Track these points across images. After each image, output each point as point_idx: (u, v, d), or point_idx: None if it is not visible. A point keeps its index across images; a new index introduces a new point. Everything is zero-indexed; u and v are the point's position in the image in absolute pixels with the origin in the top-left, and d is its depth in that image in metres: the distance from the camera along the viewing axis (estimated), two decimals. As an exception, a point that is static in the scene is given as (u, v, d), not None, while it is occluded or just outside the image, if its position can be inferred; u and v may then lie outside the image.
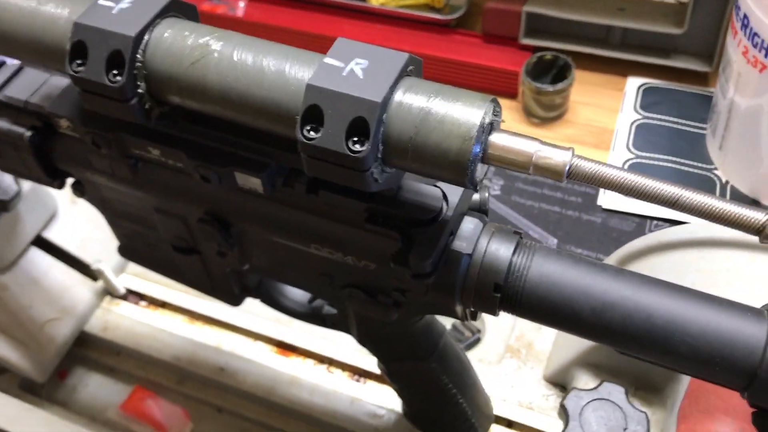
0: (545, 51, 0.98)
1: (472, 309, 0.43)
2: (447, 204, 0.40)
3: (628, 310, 0.38)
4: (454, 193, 0.41)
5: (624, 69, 1.02)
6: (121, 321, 0.76)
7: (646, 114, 0.96)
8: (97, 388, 0.77)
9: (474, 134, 0.32)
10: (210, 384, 0.73)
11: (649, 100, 0.98)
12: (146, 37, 0.37)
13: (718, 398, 0.50)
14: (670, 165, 0.90)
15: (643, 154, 0.91)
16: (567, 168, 0.33)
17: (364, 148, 0.32)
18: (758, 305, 0.38)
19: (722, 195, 0.86)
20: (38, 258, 0.73)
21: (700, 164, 0.90)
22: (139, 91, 0.37)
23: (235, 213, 0.46)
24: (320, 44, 1.10)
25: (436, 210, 0.40)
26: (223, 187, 0.43)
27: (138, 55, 0.36)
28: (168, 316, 0.77)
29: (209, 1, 1.18)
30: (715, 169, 0.89)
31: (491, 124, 0.33)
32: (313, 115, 0.33)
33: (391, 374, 0.54)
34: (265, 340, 0.73)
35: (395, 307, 0.45)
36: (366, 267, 0.44)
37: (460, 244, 0.40)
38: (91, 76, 0.36)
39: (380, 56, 0.34)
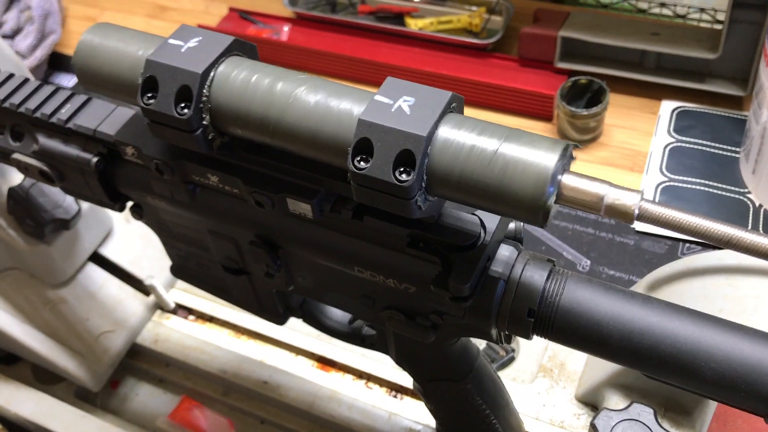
0: (580, 75, 1.00)
1: (507, 332, 0.45)
2: (485, 231, 0.43)
3: (655, 337, 0.40)
4: (492, 221, 0.43)
5: (658, 93, 1.03)
6: (171, 334, 0.80)
7: (680, 137, 0.98)
8: (147, 397, 0.81)
9: (549, 177, 0.34)
10: (254, 396, 0.76)
11: (682, 123, 0.99)
12: (212, 73, 0.40)
13: (744, 422, 0.52)
14: (703, 188, 0.91)
15: (677, 177, 0.93)
16: (636, 211, 0.35)
17: (410, 178, 0.35)
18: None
19: (755, 219, 0.87)
20: (95, 273, 0.77)
21: (733, 188, 0.91)
22: (204, 123, 0.41)
23: (284, 236, 0.49)
24: (360, 68, 1.13)
25: (475, 236, 0.42)
26: (275, 212, 0.47)
27: (204, 90, 0.40)
28: (215, 330, 0.81)
29: (255, 26, 1.23)
30: (749, 192, 0.90)
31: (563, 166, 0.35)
32: (364, 147, 0.36)
33: (426, 394, 0.57)
34: (307, 355, 0.76)
35: (433, 329, 0.47)
36: (406, 290, 0.46)
37: (497, 270, 0.43)
38: (161, 108, 0.40)
39: (426, 94, 0.37)
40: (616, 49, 1.03)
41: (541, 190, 0.34)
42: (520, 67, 1.08)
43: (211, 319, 0.82)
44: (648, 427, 0.53)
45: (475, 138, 0.36)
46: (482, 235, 0.43)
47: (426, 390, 0.56)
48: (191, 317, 0.82)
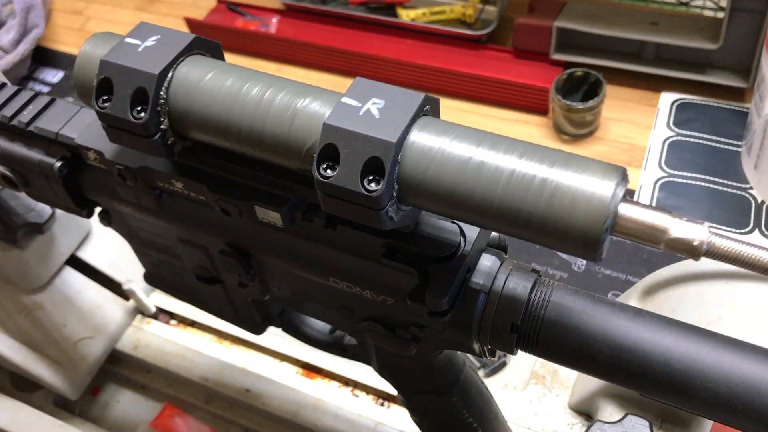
0: (576, 67, 0.97)
1: (490, 347, 0.43)
2: (465, 240, 0.40)
3: (646, 354, 0.37)
4: (472, 229, 0.41)
5: (657, 84, 1.00)
6: (152, 339, 0.78)
7: (680, 131, 0.94)
8: (128, 404, 0.78)
9: (609, 211, 0.29)
10: (236, 404, 0.74)
11: (683, 116, 0.96)
12: (170, 74, 0.38)
13: (744, 438, 0.49)
14: (703, 184, 0.88)
15: (676, 172, 0.90)
16: (704, 247, 0.31)
17: (378, 188, 0.33)
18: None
19: (757, 216, 0.84)
20: (72, 277, 0.75)
21: (734, 183, 0.88)
22: (162, 127, 0.38)
23: (255, 245, 0.47)
24: (351, 61, 1.10)
25: (454, 246, 0.39)
26: (244, 220, 0.44)
27: (161, 93, 0.37)
28: (197, 335, 0.78)
29: (243, 18, 1.20)
30: (751, 188, 0.87)
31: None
32: (330, 154, 0.33)
33: (411, 407, 0.54)
34: (291, 362, 0.74)
35: (414, 341, 0.45)
36: (384, 302, 0.44)
37: (477, 281, 0.40)
38: (116, 112, 0.37)
39: (397, 96, 0.34)
40: (614, 40, 1.00)
41: (599, 220, 0.30)
42: (514, 58, 1.05)
43: (193, 324, 0.79)
44: (643, 440, 0.50)
45: (456, 145, 0.33)
46: (462, 244, 0.40)
47: (410, 403, 0.53)
48: (173, 322, 0.80)
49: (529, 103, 1.01)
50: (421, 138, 0.33)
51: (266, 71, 0.38)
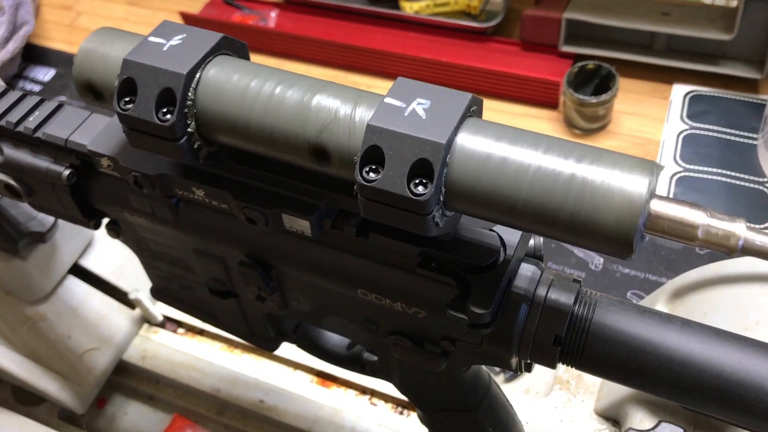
0: (587, 59, 0.95)
1: (529, 361, 0.41)
2: (505, 249, 0.38)
3: (698, 366, 0.36)
4: (512, 236, 0.39)
5: (669, 76, 0.98)
6: (160, 349, 0.75)
7: (694, 124, 0.93)
8: (136, 416, 0.76)
9: (640, 209, 0.29)
10: (250, 415, 0.71)
11: (696, 109, 0.94)
12: (198, 75, 0.35)
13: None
14: (719, 178, 0.86)
15: (692, 167, 0.88)
16: (741, 243, 0.30)
17: (427, 191, 0.31)
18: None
19: (776, 210, 0.83)
20: (76, 287, 0.72)
21: (751, 177, 0.86)
22: (189, 130, 0.36)
23: (279, 256, 0.44)
24: (353, 55, 1.08)
25: (494, 255, 0.38)
26: (269, 230, 0.42)
27: (189, 94, 0.35)
28: (206, 344, 0.76)
29: (240, 12, 1.17)
30: (768, 182, 0.85)
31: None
32: (374, 157, 0.32)
33: (433, 426, 0.52)
34: (305, 370, 0.72)
35: (443, 356, 0.43)
36: (416, 314, 0.42)
37: (519, 292, 0.38)
38: (140, 114, 0.35)
39: (442, 96, 0.33)
40: (624, 31, 0.98)
41: (633, 220, 0.29)
42: (522, 51, 1.02)
43: (201, 332, 0.77)
44: (678, 449, 0.49)
45: (508, 148, 0.31)
46: (502, 253, 0.38)
47: (433, 421, 0.51)
48: (180, 330, 0.77)
49: (539, 97, 0.99)
50: (470, 140, 0.32)
51: None
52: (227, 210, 0.42)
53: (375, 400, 0.70)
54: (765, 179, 0.86)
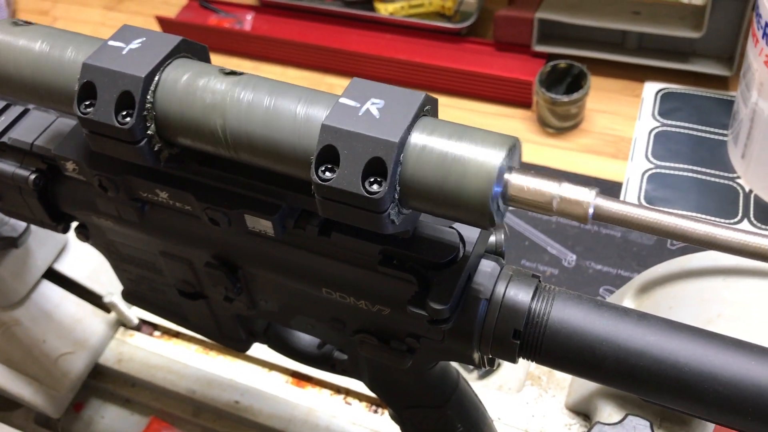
0: (559, 59, 0.96)
1: (490, 356, 0.42)
2: (464, 245, 0.39)
3: (653, 358, 0.37)
4: (471, 234, 0.39)
5: (641, 74, 0.99)
6: (136, 352, 0.75)
7: (665, 121, 0.94)
8: (113, 420, 0.76)
9: (494, 177, 0.31)
10: (226, 416, 0.72)
11: (667, 106, 0.95)
12: (156, 77, 0.36)
13: (749, 438, 0.48)
14: (691, 174, 0.87)
15: (663, 163, 0.89)
16: (591, 211, 0.32)
17: (381, 189, 0.31)
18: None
19: (746, 205, 0.84)
20: (50, 291, 0.72)
21: (722, 173, 0.87)
22: (149, 132, 0.36)
23: (243, 257, 0.45)
24: (329, 57, 1.08)
25: (454, 251, 0.38)
26: (232, 230, 0.42)
27: (148, 96, 0.36)
28: (182, 346, 0.76)
29: (217, 15, 1.17)
30: (738, 177, 0.86)
31: (511, 165, 0.32)
32: (329, 156, 0.32)
33: (403, 423, 0.53)
34: (280, 370, 0.72)
35: (409, 353, 0.43)
36: (380, 312, 0.42)
37: (478, 288, 0.39)
38: (100, 117, 0.36)
39: (396, 96, 0.33)
40: (596, 30, 0.99)
41: (486, 191, 0.31)
42: (496, 51, 1.03)
43: (177, 335, 0.77)
44: (645, 441, 0.49)
45: (444, 142, 0.32)
46: (461, 249, 0.39)
47: (403, 418, 0.52)
48: (156, 333, 0.77)
49: (512, 96, 0.99)
50: (423, 138, 0.32)
51: (241, 69, 0.37)
52: (191, 212, 0.43)
53: (350, 399, 0.70)
54: (735, 175, 0.87)
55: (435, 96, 0.37)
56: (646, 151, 0.91)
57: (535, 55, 1.01)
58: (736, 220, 0.82)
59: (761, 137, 0.80)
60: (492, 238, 0.42)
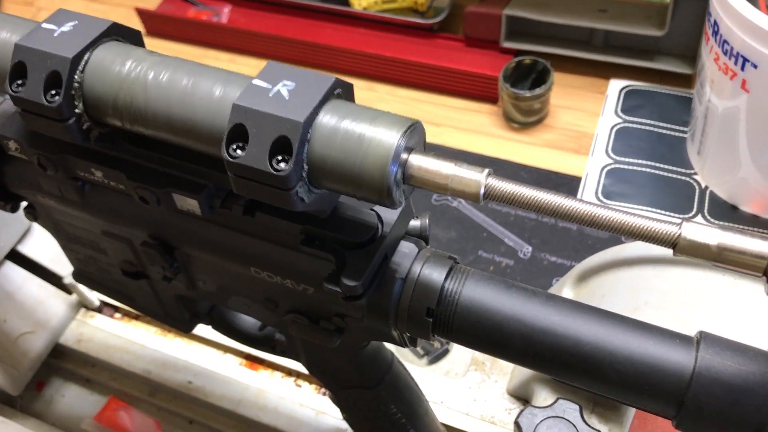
0: (527, 55, 0.97)
1: (408, 334, 0.43)
2: (382, 227, 0.40)
3: (557, 337, 0.38)
4: (390, 216, 0.41)
5: (607, 72, 1.01)
6: (96, 333, 0.77)
7: (628, 117, 0.95)
8: (73, 399, 0.78)
9: (391, 155, 0.32)
10: (180, 397, 0.73)
11: (631, 103, 0.97)
12: (85, 58, 0.38)
13: (664, 421, 0.50)
14: (649, 170, 0.89)
15: (623, 159, 0.91)
16: (482, 190, 0.34)
17: (287, 167, 0.33)
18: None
19: (701, 201, 0.85)
20: (13, 272, 0.74)
21: (680, 169, 0.89)
22: (77, 111, 0.38)
23: (176, 236, 0.46)
24: (303, 50, 1.10)
25: (371, 232, 0.40)
26: (164, 210, 0.44)
27: (76, 76, 0.37)
28: (141, 328, 0.78)
29: (195, 8, 1.19)
30: (695, 174, 0.88)
31: (410, 146, 0.34)
32: (239, 135, 0.34)
33: (340, 403, 0.54)
34: (235, 353, 0.74)
35: (337, 332, 0.45)
36: (305, 291, 0.44)
37: (394, 268, 0.40)
38: (30, 95, 0.37)
39: (307, 79, 0.35)
40: (564, 28, 1.00)
41: (383, 169, 0.33)
42: (465, 47, 1.05)
43: (137, 317, 0.79)
44: (573, 424, 0.51)
45: (349, 123, 0.34)
46: (379, 230, 0.40)
47: (339, 398, 0.53)
48: (117, 315, 0.79)
49: (480, 91, 1.01)
50: (330, 119, 0.34)
51: (219, 62, 0.39)
52: (125, 191, 0.44)
53: (300, 381, 0.72)
54: (692, 171, 0.89)
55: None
56: (607, 147, 0.92)
57: (504, 51, 1.03)
58: (691, 215, 0.84)
59: (715, 134, 0.81)
60: (417, 223, 0.44)
